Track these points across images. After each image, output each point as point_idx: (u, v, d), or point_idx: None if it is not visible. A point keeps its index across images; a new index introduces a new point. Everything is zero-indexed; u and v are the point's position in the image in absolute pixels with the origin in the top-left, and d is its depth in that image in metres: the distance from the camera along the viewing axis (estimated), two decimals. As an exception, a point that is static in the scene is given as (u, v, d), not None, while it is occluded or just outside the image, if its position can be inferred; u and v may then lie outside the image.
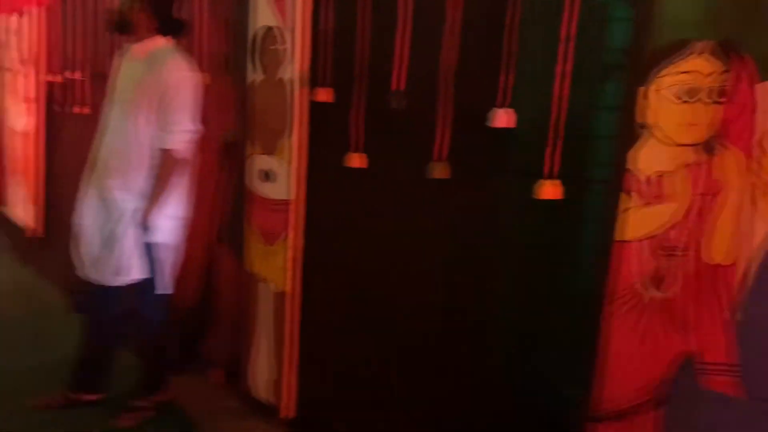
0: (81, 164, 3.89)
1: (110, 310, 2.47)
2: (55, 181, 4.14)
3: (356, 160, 2.09)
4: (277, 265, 2.39)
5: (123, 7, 2.35)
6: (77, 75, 3.55)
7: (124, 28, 2.38)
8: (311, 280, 2.36)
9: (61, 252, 4.12)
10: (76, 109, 3.59)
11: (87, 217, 2.42)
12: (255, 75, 2.43)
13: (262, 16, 2.35)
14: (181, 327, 2.79)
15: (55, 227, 4.17)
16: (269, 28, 2.33)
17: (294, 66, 2.23)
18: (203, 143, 2.54)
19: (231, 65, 2.63)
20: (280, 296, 2.40)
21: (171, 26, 2.40)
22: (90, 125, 3.58)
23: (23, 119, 4.25)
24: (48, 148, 4.15)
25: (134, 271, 2.35)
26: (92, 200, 2.42)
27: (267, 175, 2.41)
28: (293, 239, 2.32)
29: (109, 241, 2.34)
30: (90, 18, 3.49)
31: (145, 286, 2.38)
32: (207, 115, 2.51)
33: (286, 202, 2.32)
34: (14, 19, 4.29)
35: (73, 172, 4.01)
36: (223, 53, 2.66)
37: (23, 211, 4.40)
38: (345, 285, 2.27)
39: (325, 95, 2.19)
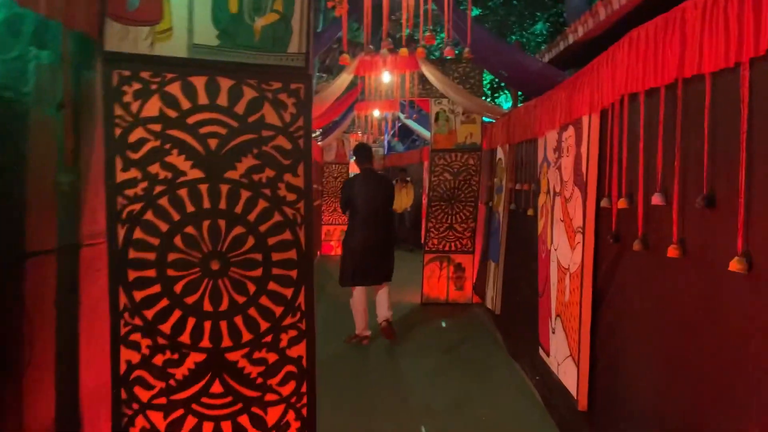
0: (644, 321, 2.70)
1: None
2: (604, 338, 3.07)
3: None
4: None
5: None
6: (656, 200, 2.41)
7: None
8: None
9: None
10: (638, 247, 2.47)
11: None
12: None
13: None
14: None
15: (601, 400, 3.07)
16: None
17: None
18: None
19: None
20: None
21: None
22: (682, 273, 2.33)
23: (570, 253, 3.42)
24: (596, 293, 3.15)
25: None
26: None
27: None
28: None
29: None
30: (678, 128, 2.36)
31: None
32: None
33: None
34: (567, 133, 3.60)
35: (631, 329, 2.85)
36: None
37: (566, 371, 3.47)
38: None
39: None
